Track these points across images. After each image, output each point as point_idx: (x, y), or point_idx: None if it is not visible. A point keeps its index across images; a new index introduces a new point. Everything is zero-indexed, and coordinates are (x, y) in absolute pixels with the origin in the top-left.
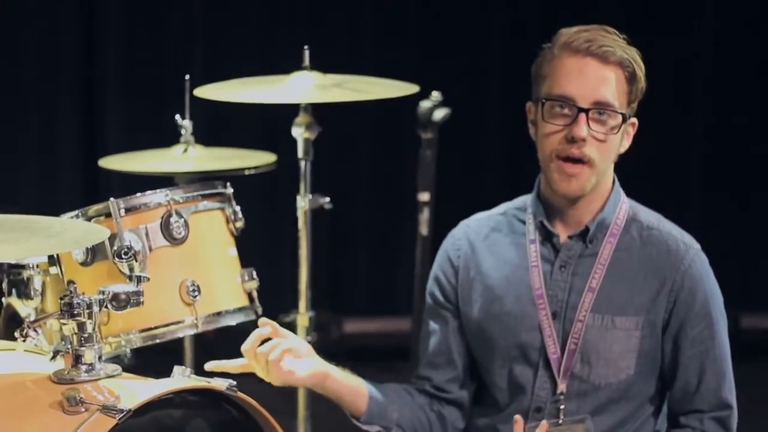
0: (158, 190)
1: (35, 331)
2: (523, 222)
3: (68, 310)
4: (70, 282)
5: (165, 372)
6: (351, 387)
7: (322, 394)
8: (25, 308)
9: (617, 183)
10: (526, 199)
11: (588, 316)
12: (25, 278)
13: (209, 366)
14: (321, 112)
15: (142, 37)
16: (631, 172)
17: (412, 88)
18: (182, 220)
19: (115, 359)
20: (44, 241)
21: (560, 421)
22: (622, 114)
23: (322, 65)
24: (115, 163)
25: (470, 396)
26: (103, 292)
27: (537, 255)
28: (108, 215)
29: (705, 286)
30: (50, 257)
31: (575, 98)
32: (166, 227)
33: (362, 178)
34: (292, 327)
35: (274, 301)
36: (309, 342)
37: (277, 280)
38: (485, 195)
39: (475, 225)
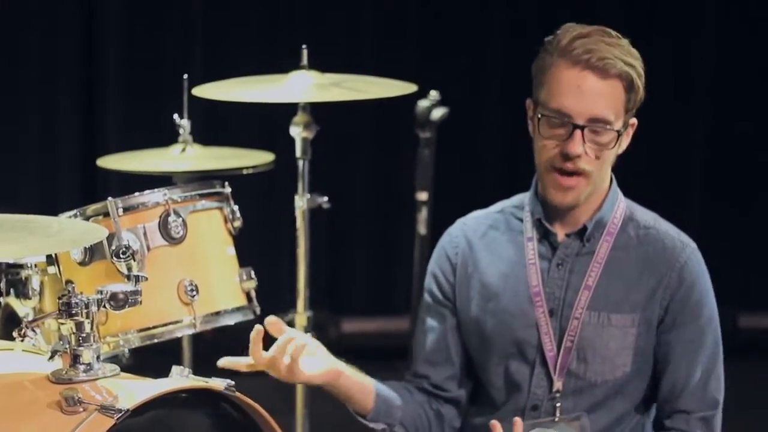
0: (156, 190)
1: (33, 330)
2: (521, 220)
3: (66, 309)
4: (68, 281)
5: (163, 372)
6: (362, 384)
7: (324, 392)
8: (23, 308)
9: (615, 182)
10: (523, 197)
11: (584, 314)
12: (23, 278)
13: (222, 363)
14: (319, 112)
15: (142, 37)
16: (631, 173)
17: (410, 88)
18: (180, 219)
19: (114, 359)
20: (42, 240)
21: (556, 419)
22: (617, 131)
23: (320, 64)
24: (113, 162)
25: (467, 395)
26: (101, 292)
27: (534, 252)
28: (106, 215)
29: (700, 284)
30: (48, 257)
31: (572, 114)
32: (164, 227)
33: (360, 178)
34: (290, 326)
35: (273, 300)
36: None
37: (275, 279)
38: (483, 194)
39: (472, 223)
